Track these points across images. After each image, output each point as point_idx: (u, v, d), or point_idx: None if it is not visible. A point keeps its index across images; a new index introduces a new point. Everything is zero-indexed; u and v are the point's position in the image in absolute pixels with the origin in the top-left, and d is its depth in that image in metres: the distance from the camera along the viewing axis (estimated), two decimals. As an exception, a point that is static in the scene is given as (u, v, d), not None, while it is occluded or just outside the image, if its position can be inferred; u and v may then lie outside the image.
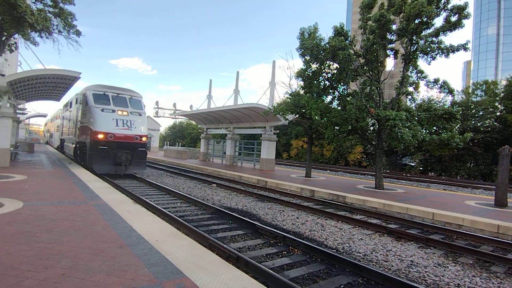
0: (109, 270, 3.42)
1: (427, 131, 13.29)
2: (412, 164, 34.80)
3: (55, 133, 30.55)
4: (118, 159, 13.47)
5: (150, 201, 9.21)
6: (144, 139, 14.31)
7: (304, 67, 15.78)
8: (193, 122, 46.46)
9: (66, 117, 21.10)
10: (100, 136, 13.09)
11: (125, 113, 14.13)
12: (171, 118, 51.20)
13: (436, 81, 13.25)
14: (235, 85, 35.11)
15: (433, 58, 12.96)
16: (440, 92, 13.42)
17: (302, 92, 16.53)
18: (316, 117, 14.75)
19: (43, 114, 41.05)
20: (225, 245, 5.49)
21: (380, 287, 4.57)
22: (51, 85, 16.09)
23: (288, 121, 19.62)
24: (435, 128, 13.11)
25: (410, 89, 13.99)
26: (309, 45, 14.62)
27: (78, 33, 11.63)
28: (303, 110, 15.58)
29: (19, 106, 20.15)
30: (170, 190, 11.50)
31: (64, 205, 6.55)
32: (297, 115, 17.26)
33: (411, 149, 19.35)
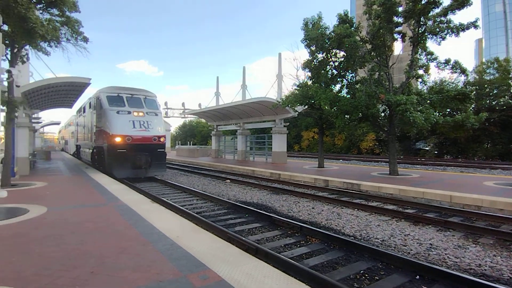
0: (135, 266, 3.56)
1: (440, 113, 13.08)
2: (427, 148, 34.27)
3: (70, 140, 30.94)
4: (138, 162, 13.07)
5: (167, 199, 9.41)
6: (162, 139, 13.86)
7: (310, 58, 15.67)
8: (203, 120, 46.73)
9: (80, 122, 20.89)
10: (118, 139, 12.70)
11: (141, 113, 13.67)
12: (181, 118, 51.68)
13: (447, 61, 12.98)
14: (242, 80, 35.14)
15: (443, 38, 12.68)
16: (452, 72, 13.17)
17: (310, 82, 16.44)
18: (326, 107, 14.68)
19: (57, 122, 42.01)
20: (243, 238, 5.60)
21: (400, 271, 4.59)
22: (63, 92, 16.44)
23: (297, 112, 19.56)
24: (448, 110, 12.88)
25: (420, 72, 13.73)
26: (313, 35, 14.50)
27: (86, 40, 11.80)
28: (312, 101, 15.51)
29: (33, 116, 20.70)
30: (185, 188, 11.69)
31: (85, 208, 6.77)
32: (306, 106, 17.18)
33: (425, 133, 19.06)
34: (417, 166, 21.54)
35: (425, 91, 14.13)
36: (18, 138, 12.50)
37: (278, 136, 21.85)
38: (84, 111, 19.14)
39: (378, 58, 13.66)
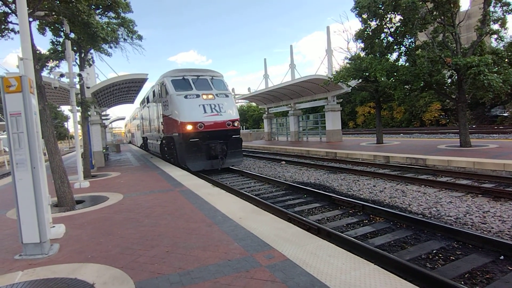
0: (204, 246, 3.79)
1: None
2: (505, 115, 30.26)
3: (136, 132, 31.67)
4: (213, 151, 11.51)
5: (227, 183, 9.79)
6: (236, 124, 12.11)
7: (362, 27, 14.63)
8: (253, 104, 47.13)
9: (145, 113, 20.24)
10: (189, 127, 11.24)
11: (210, 96, 11.95)
12: (232, 104, 52.64)
13: (529, 11, 11.09)
14: (290, 60, 34.42)
15: (523, -16, 10.82)
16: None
17: (363, 54, 15.43)
18: (382, 79, 13.70)
19: (122, 117, 46.13)
20: (304, 218, 5.60)
21: (479, 250, 4.20)
22: (125, 89, 17.83)
23: (350, 87, 18.62)
24: (533, 68, 11.09)
25: (495, 27, 11.96)
26: (365, 1, 13.42)
27: (140, 38, 12.49)
28: (366, 74, 14.59)
29: (102, 113, 22.87)
30: (242, 171, 12.01)
31: (154, 193, 7.37)
32: (360, 80, 16.25)
33: (503, 97, 16.72)
34: (494, 135, 19.20)
35: (502, 48, 12.32)
36: (92, 134, 13.97)
37: (332, 113, 21.13)
38: (147, 102, 18.29)
39: (442, 17, 12.21)
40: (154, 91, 15.26)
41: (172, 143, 12.93)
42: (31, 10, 5.97)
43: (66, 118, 55.87)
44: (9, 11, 6.33)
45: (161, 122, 13.87)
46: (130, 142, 47.48)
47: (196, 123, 11.29)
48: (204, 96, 11.82)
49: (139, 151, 25.53)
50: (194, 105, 11.54)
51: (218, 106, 11.81)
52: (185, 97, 11.66)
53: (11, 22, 6.54)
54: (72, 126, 10.34)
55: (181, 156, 11.78)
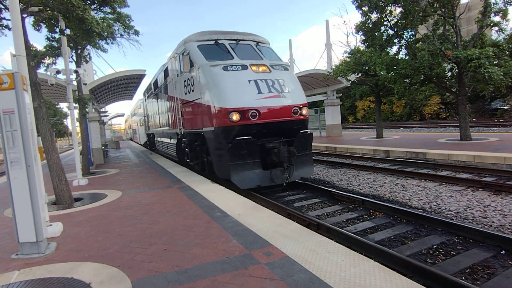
0: (203, 243, 3.75)
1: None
2: (505, 108, 30.16)
3: (139, 128, 26.95)
4: (274, 156, 6.99)
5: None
6: (305, 112, 7.81)
7: (362, 20, 14.47)
8: (253, 100, 46.82)
9: (152, 103, 15.97)
10: (234, 117, 6.89)
11: (262, 68, 7.60)
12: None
13: (530, 2, 10.96)
14: (289, 55, 34.17)
15: (525, -25, 10.67)
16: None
17: (362, 48, 15.30)
18: (382, 72, 13.58)
19: (121, 114, 46.07)
20: (303, 214, 5.57)
21: (480, 245, 4.16)
22: (123, 86, 17.70)
23: (350, 82, 18.50)
24: (534, 60, 10.99)
25: (496, 19, 11.84)
26: (365, -6, 13.27)
27: (137, 33, 12.35)
28: (366, 68, 14.48)
29: (101, 110, 22.71)
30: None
31: (153, 190, 7.33)
32: (359, 74, 16.14)
33: (503, 90, 16.63)
34: (494, 128, 19.14)
35: (503, 41, 12.21)
36: (91, 131, 13.88)
37: (331, 108, 21.05)
38: (155, 88, 14.41)
39: (443, 9, 12.05)
40: (166, 70, 11.35)
41: (199, 143, 8.76)
42: (25, 6, 5.87)
43: (65, 115, 55.67)
44: (2, 7, 6.23)
45: (181, 112, 9.65)
46: (130, 139, 47.27)
47: (247, 110, 6.95)
48: (254, 68, 7.49)
49: (138, 147, 25.46)
50: (241, 81, 7.22)
51: (277, 82, 7.47)
52: (225, 69, 7.35)
53: (4, 18, 6.43)
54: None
55: (219, 164, 7.49)
